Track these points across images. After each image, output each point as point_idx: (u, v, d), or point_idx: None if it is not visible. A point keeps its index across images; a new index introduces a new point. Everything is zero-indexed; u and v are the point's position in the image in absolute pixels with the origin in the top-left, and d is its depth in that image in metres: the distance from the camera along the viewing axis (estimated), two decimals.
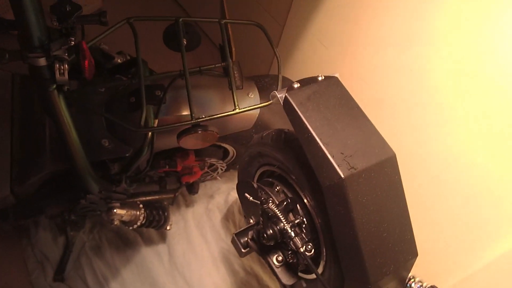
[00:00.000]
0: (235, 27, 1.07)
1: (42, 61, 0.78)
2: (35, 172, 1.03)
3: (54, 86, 0.85)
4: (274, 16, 1.52)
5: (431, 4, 0.98)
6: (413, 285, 0.84)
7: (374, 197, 0.75)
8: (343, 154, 0.74)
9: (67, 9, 0.78)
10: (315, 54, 1.42)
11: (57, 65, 0.78)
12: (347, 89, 0.85)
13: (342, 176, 0.72)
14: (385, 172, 0.76)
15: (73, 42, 0.81)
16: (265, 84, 1.22)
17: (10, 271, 1.27)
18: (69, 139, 0.93)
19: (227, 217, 1.46)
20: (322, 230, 0.87)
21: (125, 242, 1.37)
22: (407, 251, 0.78)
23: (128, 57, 1.34)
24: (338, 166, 0.72)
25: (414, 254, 0.79)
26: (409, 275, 0.84)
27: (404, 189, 0.79)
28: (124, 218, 1.14)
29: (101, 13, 0.86)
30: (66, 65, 0.79)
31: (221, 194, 1.51)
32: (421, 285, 0.84)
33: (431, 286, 0.82)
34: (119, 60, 1.33)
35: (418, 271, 0.84)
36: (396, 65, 1.13)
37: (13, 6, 0.69)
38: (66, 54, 0.79)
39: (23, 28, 0.72)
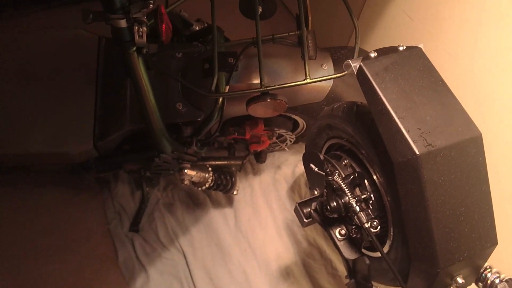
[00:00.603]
0: None
1: (123, 23, 0.81)
2: (116, 129, 1.11)
3: (134, 48, 0.89)
4: None
5: None
6: (489, 275, 0.77)
7: (453, 178, 0.69)
8: (420, 129, 0.69)
9: None
10: (399, 26, 1.32)
11: (136, 28, 0.81)
12: (431, 62, 0.78)
13: (417, 152, 0.67)
14: (467, 153, 0.70)
15: (151, 5, 0.84)
16: (341, 56, 1.17)
17: (92, 218, 1.40)
18: (146, 100, 0.98)
19: (293, 188, 1.46)
20: (391, 209, 0.83)
21: (195, 202, 1.44)
22: (485, 238, 0.71)
23: (206, 25, 1.36)
24: (413, 142, 0.68)
25: (493, 243, 0.72)
26: (486, 264, 0.78)
27: (489, 173, 0.72)
28: (193, 179, 1.19)
29: None
30: (145, 28, 0.82)
31: (289, 165, 1.51)
32: (498, 277, 0.77)
33: (510, 278, 0.75)
34: (197, 28, 1.35)
35: (496, 262, 0.77)
36: (490, 41, 1.01)
37: None
38: (145, 17, 0.82)
39: None
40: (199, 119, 1.12)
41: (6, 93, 1.13)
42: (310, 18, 1.17)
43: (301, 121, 1.33)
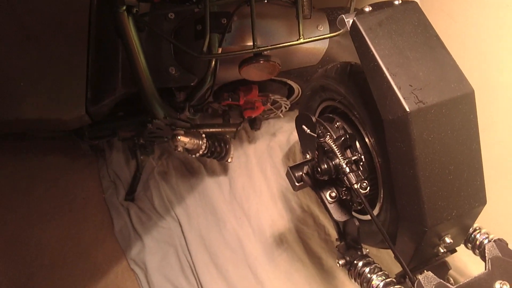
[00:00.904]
0: None
1: None
2: (108, 94, 1.09)
3: (124, 7, 0.87)
4: None
5: None
6: (478, 236, 0.78)
7: (443, 136, 0.68)
8: (411, 86, 0.68)
9: None
10: None
11: None
12: (427, 16, 0.76)
13: (408, 109, 0.66)
14: (459, 110, 0.69)
15: None
16: (338, 16, 1.14)
17: (88, 187, 1.40)
18: (137, 63, 0.96)
19: (288, 156, 1.46)
20: (382, 171, 0.82)
21: (190, 170, 1.44)
22: (474, 197, 0.71)
23: None
24: (404, 98, 0.66)
25: (482, 202, 0.72)
26: (475, 225, 0.78)
27: (480, 131, 0.71)
28: (187, 146, 1.18)
29: None
30: None
31: (284, 133, 1.50)
32: (487, 237, 0.77)
33: (498, 238, 0.75)
34: None
35: (485, 222, 0.77)
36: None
37: None
38: None
39: None
40: (192, 83, 1.10)
41: None
42: None
43: (296, 86, 1.31)
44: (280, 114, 1.44)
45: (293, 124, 1.49)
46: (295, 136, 1.47)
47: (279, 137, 1.49)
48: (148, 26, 0.96)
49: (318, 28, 1.10)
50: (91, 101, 1.10)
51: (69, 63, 1.11)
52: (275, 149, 1.47)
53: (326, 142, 0.79)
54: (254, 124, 1.39)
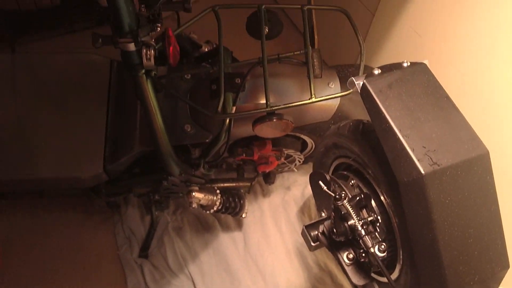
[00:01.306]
0: (322, 14, 1.04)
1: (131, 46, 0.83)
2: (126, 152, 1.12)
3: (143, 71, 0.90)
4: (365, 3, 1.44)
5: None
6: None
7: (460, 198, 0.67)
8: (425, 148, 0.67)
9: None
10: (408, 43, 1.32)
11: (144, 51, 0.83)
12: (436, 78, 0.77)
13: (423, 172, 0.65)
14: (474, 171, 0.67)
15: (159, 29, 0.86)
16: (348, 74, 1.17)
17: (102, 243, 1.40)
18: (155, 122, 0.99)
19: (303, 210, 1.44)
20: (400, 231, 0.80)
21: (204, 225, 1.43)
22: (496, 261, 0.68)
23: (215, 46, 1.38)
24: (418, 160, 0.66)
25: (505, 266, 0.69)
26: None
27: (498, 192, 0.69)
28: (202, 202, 1.19)
29: (185, 0, 0.89)
30: (153, 51, 0.84)
31: (298, 186, 1.49)
32: None
33: None
34: (206, 49, 1.38)
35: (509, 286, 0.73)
36: (499, 56, 0.99)
37: None
38: (153, 40, 0.84)
39: (115, 15, 0.78)
40: (207, 140, 1.13)
41: (21, 116, 1.16)
42: (316, 37, 1.18)
43: (309, 141, 1.32)
44: (294, 168, 1.44)
45: (307, 177, 1.50)
46: (309, 190, 1.46)
47: (294, 191, 1.48)
48: (165, 88, 0.99)
49: (329, 86, 1.12)
50: (109, 159, 1.13)
51: (89, 123, 1.16)
52: (289, 203, 1.46)
53: (343, 205, 0.78)
54: (268, 178, 1.39)
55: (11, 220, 1.41)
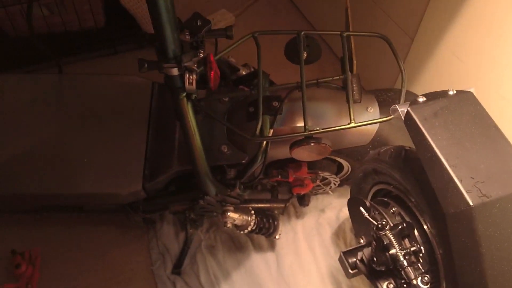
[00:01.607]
0: (360, 39, 1.04)
1: (175, 71, 0.86)
2: (164, 171, 1.15)
3: (184, 94, 0.93)
4: (404, 28, 1.43)
5: None
6: None
7: (510, 232, 0.64)
8: (473, 179, 0.65)
9: (198, 24, 0.85)
10: (448, 68, 1.30)
11: (187, 75, 0.85)
12: (483, 107, 0.75)
13: (471, 204, 0.63)
14: None
15: (202, 55, 0.88)
16: (387, 98, 1.15)
17: (137, 259, 1.42)
18: (193, 143, 1.01)
19: (338, 234, 1.42)
20: (443, 263, 0.78)
21: (237, 245, 1.43)
22: None
23: (252, 69, 1.41)
24: (466, 192, 0.64)
25: None
26: None
27: None
28: (236, 222, 1.19)
29: (227, 28, 0.92)
30: (195, 76, 0.86)
31: (333, 209, 1.47)
32: None
33: None
34: (243, 72, 1.41)
35: None
36: None
37: (153, 22, 0.77)
38: (195, 66, 0.86)
39: (160, 42, 0.81)
40: (243, 161, 1.14)
41: (66, 134, 1.21)
42: (354, 62, 1.17)
43: (345, 164, 1.31)
44: (329, 191, 1.42)
45: (343, 200, 1.48)
46: (344, 213, 1.44)
47: (328, 213, 1.47)
48: (204, 110, 1.01)
49: (368, 110, 1.11)
50: (148, 177, 1.16)
51: (129, 142, 1.19)
52: (324, 226, 1.44)
53: (385, 234, 0.76)
54: (303, 200, 1.38)
55: (49, 234, 1.45)
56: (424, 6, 1.28)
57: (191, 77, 0.86)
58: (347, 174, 1.36)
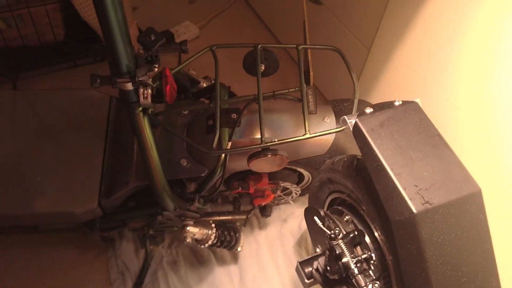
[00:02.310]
0: (321, 51, 1.07)
1: (129, 86, 0.85)
2: (121, 187, 1.13)
3: (140, 108, 0.92)
4: (361, 39, 1.48)
5: None
6: None
7: (453, 237, 0.67)
8: (417, 186, 0.68)
9: (152, 39, 0.85)
10: (403, 78, 1.35)
11: (142, 90, 0.85)
12: (428, 116, 0.78)
13: (415, 211, 0.65)
14: (467, 210, 0.68)
15: (156, 69, 0.88)
16: (343, 108, 1.19)
17: (97, 278, 1.38)
18: (150, 158, 1.00)
19: (300, 243, 1.43)
20: (394, 268, 0.80)
21: (199, 259, 1.41)
22: None
23: (213, 82, 1.41)
24: (410, 199, 0.67)
25: None
26: None
27: (491, 230, 0.69)
28: (196, 236, 1.18)
29: (182, 42, 0.92)
30: (150, 90, 0.86)
31: (295, 218, 1.49)
32: None
33: None
34: (204, 84, 1.41)
35: None
36: (494, 89, 1.02)
37: (105, 37, 0.77)
38: (151, 80, 0.86)
39: (113, 56, 0.80)
40: (202, 174, 1.13)
41: (20, 152, 1.17)
42: (311, 73, 1.20)
43: (306, 173, 1.33)
44: (290, 201, 1.44)
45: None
46: None
47: (291, 223, 1.48)
48: (162, 125, 1.01)
49: (325, 120, 1.14)
50: (104, 194, 1.13)
51: (86, 158, 1.17)
52: (286, 236, 1.45)
53: (338, 244, 0.78)
54: (265, 211, 1.39)
55: (6, 255, 1.39)
56: (379, 18, 1.33)
57: (145, 91, 0.86)
58: (307, 183, 1.38)
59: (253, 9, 2.21)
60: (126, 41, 0.79)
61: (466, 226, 0.68)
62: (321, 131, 0.93)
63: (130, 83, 0.84)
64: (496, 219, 0.76)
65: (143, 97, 0.86)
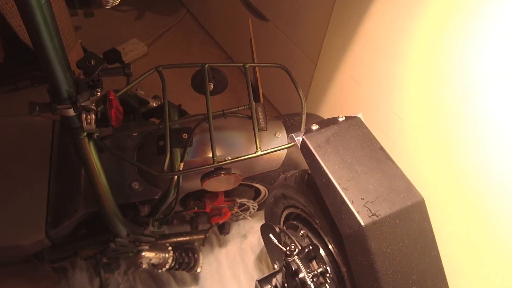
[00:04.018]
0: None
1: (71, 112, 0.82)
2: (69, 215, 1.07)
3: (84, 134, 0.89)
4: (307, 54, 1.52)
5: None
6: None
7: (401, 247, 0.69)
8: (363, 199, 0.70)
9: (92, 63, 0.82)
10: (348, 91, 1.40)
11: (84, 115, 0.82)
12: (370, 130, 0.81)
13: (363, 224, 0.67)
14: (412, 219, 0.71)
15: (99, 93, 0.85)
16: (294, 123, 1.21)
17: None
18: (98, 183, 0.96)
19: (260, 258, 1.43)
20: (349, 281, 0.81)
21: (158, 283, 1.37)
22: None
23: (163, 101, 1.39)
24: (358, 213, 0.68)
25: None
26: None
27: (436, 237, 0.73)
28: (153, 261, 1.15)
29: (125, 65, 0.90)
30: (93, 115, 0.83)
31: (255, 233, 1.48)
32: None
33: None
34: (154, 104, 1.38)
35: None
36: (435, 99, 1.07)
37: (41, 63, 0.73)
38: (94, 104, 0.83)
39: (52, 82, 0.77)
40: (156, 197, 1.10)
41: None
42: (260, 90, 1.21)
43: (262, 188, 1.33)
44: (248, 217, 1.43)
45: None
46: None
47: (250, 238, 1.47)
48: (109, 149, 0.98)
49: (276, 136, 1.15)
50: (51, 224, 1.07)
51: (30, 188, 1.10)
52: (247, 252, 1.44)
53: (294, 260, 0.79)
54: (223, 228, 1.38)
55: None
56: (323, 32, 1.37)
57: (89, 117, 0.83)
58: (264, 198, 1.39)
59: (202, 25, 2.21)
60: (64, 67, 0.76)
61: (412, 235, 0.70)
62: (272, 148, 0.94)
63: (72, 109, 0.81)
64: (441, 226, 0.79)
65: (87, 123, 0.83)
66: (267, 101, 1.91)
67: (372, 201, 0.70)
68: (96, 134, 0.92)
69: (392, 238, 0.69)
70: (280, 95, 1.83)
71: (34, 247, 1.08)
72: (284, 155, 1.17)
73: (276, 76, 1.73)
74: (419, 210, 0.72)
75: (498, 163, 0.94)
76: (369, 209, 0.69)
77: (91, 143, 0.92)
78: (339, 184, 0.71)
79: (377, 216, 0.68)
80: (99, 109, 0.85)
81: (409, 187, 0.73)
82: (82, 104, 0.81)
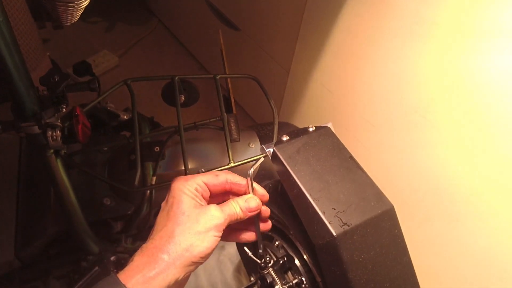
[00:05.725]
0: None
1: (36, 129, 0.80)
2: (39, 234, 1.04)
3: (51, 151, 0.87)
4: (280, 62, 1.53)
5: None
6: None
7: (373, 255, 0.69)
8: (335, 209, 0.70)
9: (56, 80, 0.80)
10: (320, 99, 1.41)
11: (50, 133, 0.80)
12: (339, 139, 0.82)
13: (334, 234, 0.67)
14: (382, 227, 0.71)
15: (64, 109, 0.84)
16: (268, 132, 1.21)
17: None
18: (67, 201, 0.94)
19: (239, 269, 1.42)
20: None
21: None
22: None
23: None
24: (329, 223, 0.68)
25: None
26: None
27: (408, 243, 0.73)
28: None
29: (90, 80, 0.89)
30: (59, 132, 0.81)
31: (232, 244, 1.47)
32: None
33: None
34: (125, 117, 1.36)
35: None
36: (405, 106, 1.09)
37: (2, 80, 0.71)
38: (59, 121, 0.81)
39: (15, 100, 0.75)
40: (129, 212, 1.08)
41: None
42: (233, 101, 1.21)
43: None
44: None
45: None
46: None
47: (228, 249, 1.46)
48: (77, 166, 0.95)
49: (250, 146, 1.15)
50: (21, 244, 1.04)
51: None
52: (225, 263, 1.43)
53: (268, 273, 0.78)
54: None
55: None
56: (294, 41, 1.38)
57: (54, 134, 0.81)
58: None
59: (174, 35, 2.20)
60: (27, 84, 0.74)
61: (384, 243, 0.71)
62: (244, 160, 0.94)
63: (36, 126, 0.79)
64: (411, 232, 0.80)
65: (52, 140, 0.81)
66: (242, 110, 1.91)
67: (344, 211, 0.70)
68: (63, 151, 0.90)
69: (364, 246, 0.69)
70: (255, 104, 1.83)
71: (3, 268, 1.04)
72: (258, 166, 1.16)
73: (250, 86, 1.73)
74: (389, 217, 0.72)
75: (461, 166, 0.96)
76: (341, 219, 0.69)
77: (58, 160, 0.90)
78: (310, 195, 0.71)
79: (349, 226, 0.68)
80: (66, 125, 0.83)
81: (379, 195, 0.74)
82: (47, 121, 0.80)
